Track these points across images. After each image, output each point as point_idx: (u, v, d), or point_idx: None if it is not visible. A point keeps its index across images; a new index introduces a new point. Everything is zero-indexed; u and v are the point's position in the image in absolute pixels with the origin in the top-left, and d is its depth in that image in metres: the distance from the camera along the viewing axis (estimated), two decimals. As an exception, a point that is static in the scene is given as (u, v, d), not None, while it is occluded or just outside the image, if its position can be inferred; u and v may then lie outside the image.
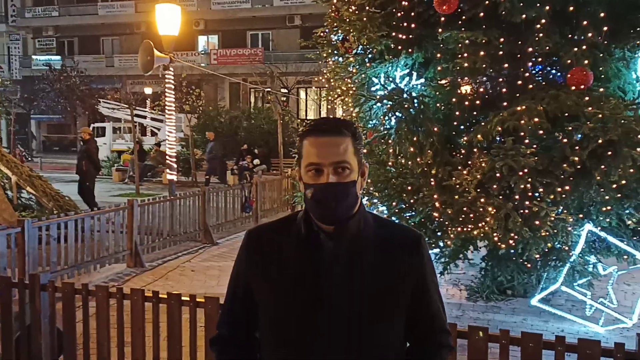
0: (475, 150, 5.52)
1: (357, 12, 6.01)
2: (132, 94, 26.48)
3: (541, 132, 5.25)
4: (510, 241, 5.37)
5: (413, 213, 6.05)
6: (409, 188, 5.95)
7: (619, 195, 5.46)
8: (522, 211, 5.26)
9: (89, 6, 36.97)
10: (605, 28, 5.38)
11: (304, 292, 1.67)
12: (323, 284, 1.66)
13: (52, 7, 38.02)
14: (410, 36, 5.87)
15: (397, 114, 5.81)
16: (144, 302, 3.99)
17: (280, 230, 1.78)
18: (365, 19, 5.85)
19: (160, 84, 19.65)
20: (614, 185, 5.29)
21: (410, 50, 5.93)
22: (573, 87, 5.24)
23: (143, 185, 18.52)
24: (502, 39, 5.56)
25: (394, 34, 5.86)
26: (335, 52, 6.59)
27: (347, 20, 6.07)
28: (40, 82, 32.87)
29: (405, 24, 5.87)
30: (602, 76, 5.62)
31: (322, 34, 6.87)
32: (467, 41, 5.47)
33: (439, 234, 5.99)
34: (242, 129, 23.05)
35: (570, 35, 5.55)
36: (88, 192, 12.37)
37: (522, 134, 5.23)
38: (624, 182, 5.25)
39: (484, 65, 5.53)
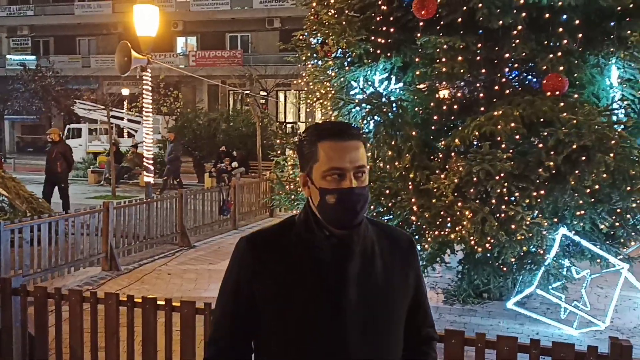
0: (452, 154, 5.57)
1: (336, 15, 6.03)
2: (109, 95, 26.11)
3: (517, 137, 5.32)
4: (487, 245, 5.43)
5: (391, 216, 6.08)
6: (387, 192, 5.97)
7: (593, 200, 5.55)
8: (498, 215, 5.31)
9: (65, 6, 36.44)
10: (580, 35, 5.48)
11: (320, 298, 1.63)
12: (341, 289, 1.63)
13: (27, 6, 37.39)
14: (389, 40, 5.90)
15: (375, 117, 5.84)
16: (118, 306, 3.93)
17: (280, 236, 1.73)
18: (344, 22, 5.86)
19: (137, 85, 19.45)
20: (588, 190, 5.38)
21: (389, 54, 5.96)
22: (548, 93, 5.32)
23: (119, 187, 18.28)
24: (479, 45, 5.62)
25: (372, 38, 5.89)
26: (315, 55, 6.58)
27: (327, 23, 6.07)
28: (15, 82, 32.28)
29: (384, 28, 5.91)
30: (577, 82, 5.72)
31: (301, 37, 6.86)
32: (445, 46, 5.52)
33: (416, 237, 6.01)
34: (221, 132, 22.87)
35: (546, 42, 5.63)
36: (63, 193, 12.17)
37: (499, 138, 5.29)
38: (597, 187, 5.34)
39: (461, 70, 5.59)
